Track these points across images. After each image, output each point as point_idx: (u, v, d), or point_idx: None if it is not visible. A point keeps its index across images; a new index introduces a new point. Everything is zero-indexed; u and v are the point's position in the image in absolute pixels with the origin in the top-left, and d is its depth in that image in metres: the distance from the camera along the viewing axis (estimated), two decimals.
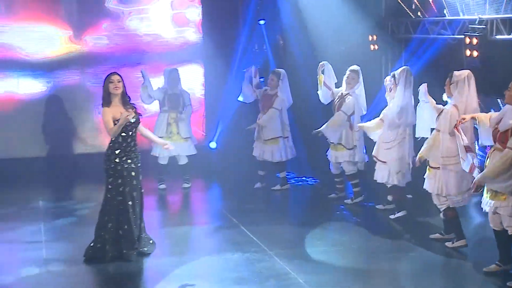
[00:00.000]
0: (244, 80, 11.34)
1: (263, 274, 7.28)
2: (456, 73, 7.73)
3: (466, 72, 7.74)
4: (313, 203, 11.16)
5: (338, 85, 10.38)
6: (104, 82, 7.67)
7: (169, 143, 8.34)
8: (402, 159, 9.15)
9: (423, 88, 8.31)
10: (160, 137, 10.26)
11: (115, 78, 7.60)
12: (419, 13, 12.17)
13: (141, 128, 7.93)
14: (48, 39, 12.83)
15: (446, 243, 8.03)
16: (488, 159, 6.89)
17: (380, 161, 9.31)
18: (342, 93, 10.19)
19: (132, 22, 13.20)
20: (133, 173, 7.65)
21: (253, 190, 11.41)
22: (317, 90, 10.62)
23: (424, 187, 8.18)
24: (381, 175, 9.35)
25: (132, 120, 7.51)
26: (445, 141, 7.64)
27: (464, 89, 7.57)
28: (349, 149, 10.17)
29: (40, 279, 7.23)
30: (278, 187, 11.39)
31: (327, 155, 10.52)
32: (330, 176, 10.81)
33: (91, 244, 7.76)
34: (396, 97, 9.08)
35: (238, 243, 8.46)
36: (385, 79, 9.60)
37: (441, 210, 8.01)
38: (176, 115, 11.14)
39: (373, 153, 9.51)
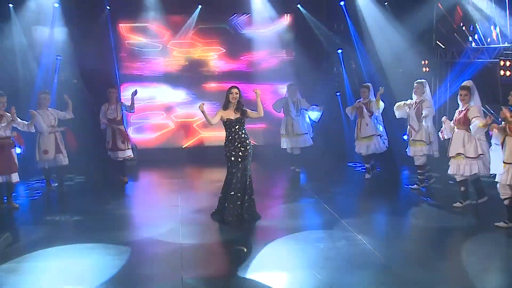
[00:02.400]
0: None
1: (336, 235, 7.20)
2: None
3: None
4: (382, 187, 10.20)
5: None
6: (227, 91, 7.76)
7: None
8: None
9: (495, 132, 7.35)
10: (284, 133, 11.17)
11: (234, 90, 7.69)
12: (462, 42, 11.48)
13: (251, 115, 7.79)
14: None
15: None
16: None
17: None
18: (416, 101, 9.32)
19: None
20: (239, 159, 7.65)
21: (334, 175, 11.01)
22: None
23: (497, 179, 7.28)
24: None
25: (233, 119, 7.60)
26: None
27: None
28: (428, 144, 9.32)
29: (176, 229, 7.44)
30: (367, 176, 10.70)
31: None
32: None
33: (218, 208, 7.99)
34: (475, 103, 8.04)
35: (317, 213, 8.43)
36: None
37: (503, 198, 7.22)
38: (299, 117, 11.07)
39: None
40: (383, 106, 10.32)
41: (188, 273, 5.85)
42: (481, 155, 7.93)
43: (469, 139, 7.96)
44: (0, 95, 8.38)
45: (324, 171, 11.33)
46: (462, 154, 8.00)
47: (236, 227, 7.49)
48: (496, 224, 7.25)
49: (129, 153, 10.58)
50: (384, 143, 10.45)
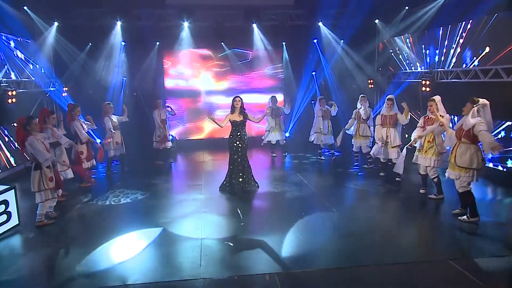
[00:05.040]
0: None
1: (305, 196, 7.28)
2: (435, 98, 6.79)
3: (438, 98, 6.78)
4: (339, 165, 10.06)
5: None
6: (232, 100, 7.49)
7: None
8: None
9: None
10: (269, 130, 10.70)
11: (237, 99, 7.43)
12: (392, 68, 11.35)
13: (251, 119, 7.54)
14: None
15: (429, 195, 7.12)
16: (456, 149, 5.85)
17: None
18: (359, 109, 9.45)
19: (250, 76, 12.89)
20: (240, 149, 7.44)
21: (308, 158, 10.69)
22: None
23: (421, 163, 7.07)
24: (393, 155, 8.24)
25: (238, 121, 7.36)
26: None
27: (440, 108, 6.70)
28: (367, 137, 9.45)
29: (198, 199, 7.11)
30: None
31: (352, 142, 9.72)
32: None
33: (222, 183, 7.77)
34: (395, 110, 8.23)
35: (295, 184, 8.21)
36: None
37: (433, 177, 6.96)
38: (278, 119, 10.72)
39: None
40: (337, 110, 10.32)
41: (206, 234, 5.53)
42: (400, 145, 8.11)
43: (395, 133, 8.17)
44: (76, 106, 8.05)
45: (301, 155, 11.06)
46: (389, 143, 8.20)
47: (241, 197, 7.24)
48: (429, 196, 7.06)
49: (170, 144, 10.47)
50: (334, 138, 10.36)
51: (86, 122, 8.32)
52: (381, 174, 8.61)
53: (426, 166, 6.91)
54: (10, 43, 9.17)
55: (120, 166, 9.68)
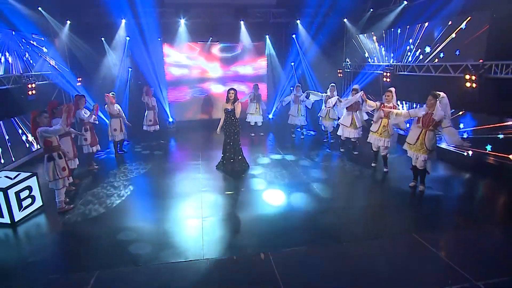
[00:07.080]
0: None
1: (289, 167, 7.18)
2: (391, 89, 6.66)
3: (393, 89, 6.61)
4: (316, 142, 9.69)
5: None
6: (227, 91, 6.99)
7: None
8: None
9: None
10: (250, 113, 10.17)
11: (231, 91, 6.93)
12: (357, 60, 10.90)
13: (237, 111, 6.93)
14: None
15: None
16: (424, 136, 5.66)
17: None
18: (337, 98, 8.83)
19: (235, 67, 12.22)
20: (232, 134, 7.04)
21: (289, 137, 10.29)
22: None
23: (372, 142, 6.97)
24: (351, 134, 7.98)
25: (229, 109, 6.93)
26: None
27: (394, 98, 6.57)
28: (334, 119, 9.14)
29: (197, 179, 6.58)
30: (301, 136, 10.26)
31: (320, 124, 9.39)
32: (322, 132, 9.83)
33: (219, 162, 7.36)
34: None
35: (278, 160, 7.90)
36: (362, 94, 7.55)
37: (384, 154, 6.91)
38: (258, 104, 10.27)
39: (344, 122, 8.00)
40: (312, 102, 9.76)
41: (206, 213, 5.12)
42: (359, 127, 7.90)
43: (355, 117, 7.88)
44: (82, 97, 7.10)
45: (283, 135, 10.55)
46: (346, 125, 7.95)
47: (232, 176, 6.80)
48: (372, 164, 7.15)
49: (157, 127, 9.66)
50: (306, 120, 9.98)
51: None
52: (341, 150, 8.52)
53: (379, 146, 6.88)
54: (29, 41, 8.41)
55: (119, 148, 8.83)
